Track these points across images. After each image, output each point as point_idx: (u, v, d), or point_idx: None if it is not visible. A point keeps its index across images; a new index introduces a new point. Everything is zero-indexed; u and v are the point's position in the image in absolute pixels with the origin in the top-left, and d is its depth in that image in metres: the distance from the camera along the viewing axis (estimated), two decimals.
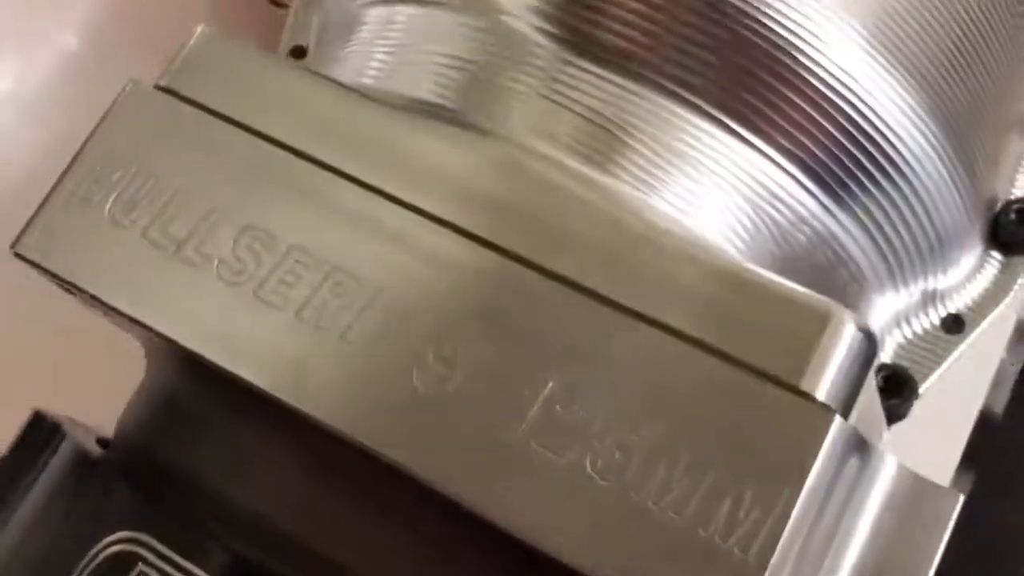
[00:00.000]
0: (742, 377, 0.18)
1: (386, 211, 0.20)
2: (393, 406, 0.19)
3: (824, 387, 0.18)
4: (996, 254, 0.27)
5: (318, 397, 0.19)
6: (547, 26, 0.22)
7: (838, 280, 0.23)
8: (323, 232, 0.20)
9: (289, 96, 0.21)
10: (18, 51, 0.41)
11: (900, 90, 0.22)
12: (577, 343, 0.19)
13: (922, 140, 0.22)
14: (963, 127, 0.24)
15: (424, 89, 0.22)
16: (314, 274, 0.19)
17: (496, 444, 0.18)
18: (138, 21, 0.41)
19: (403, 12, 0.24)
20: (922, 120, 0.22)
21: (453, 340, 0.19)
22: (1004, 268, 0.27)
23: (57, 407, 0.25)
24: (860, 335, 0.18)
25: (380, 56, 0.24)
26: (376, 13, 0.24)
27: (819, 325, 0.18)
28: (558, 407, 0.18)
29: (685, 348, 0.18)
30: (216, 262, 0.20)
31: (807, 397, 0.18)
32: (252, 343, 0.19)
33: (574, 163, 0.21)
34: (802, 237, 0.22)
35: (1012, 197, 0.27)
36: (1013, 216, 0.27)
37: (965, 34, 0.23)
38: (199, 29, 0.22)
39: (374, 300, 0.19)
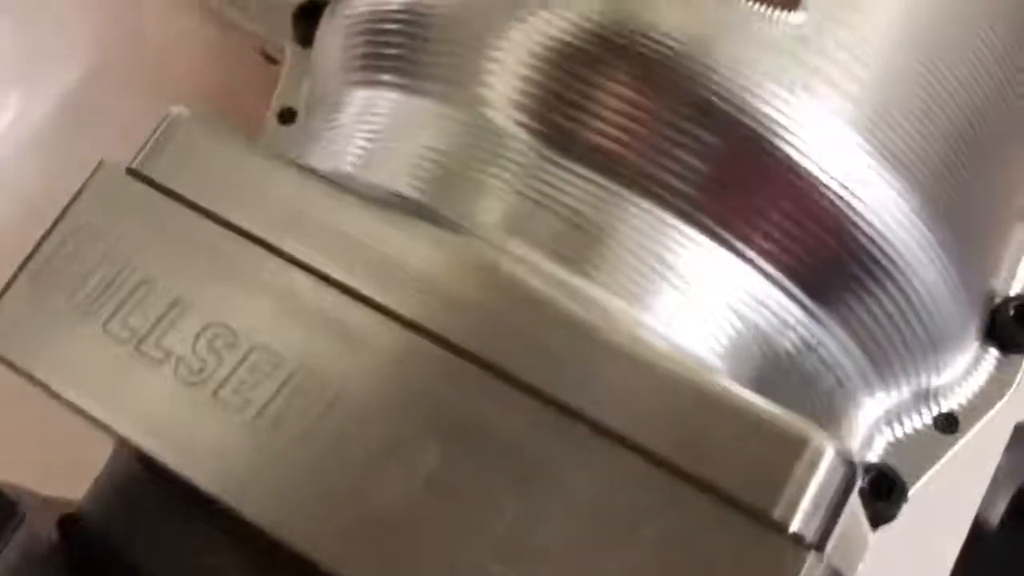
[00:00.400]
0: (712, 504, 0.17)
1: (354, 311, 0.19)
2: (349, 518, 0.18)
3: (799, 519, 0.17)
4: (994, 350, 0.26)
5: (273, 506, 0.18)
6: (529, 122, 0.21)
7: (823, 385, 0.22)
8: (287, 331, 0.19)
9: (262, 187, 0.20)
10: (21, 85, 0.41)
11: (894, 195, 0.21)
12: (545, 460, 0.18)
13: (915, 245, 0.22)
14: (960, 228, 0.23)
15: (402, 181, 0.22)
16: (275, 375, 0.19)
17: (455, 566, 0.17)
18: (142, 58, 0.41)
19: (386, 98, 0.23)
20: (916, 225, 0.21)
21: (415, 451, 0.18)
22: (1001, 366, 0.26)
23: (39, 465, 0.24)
24: (840, 463, 0.17)
25: (360, 142, 0.23)
26: (360, 95, 0.24)
27: (796, 451, 0.17)
28: (521, 528, 0.17)
29: (654, 470, 0.17)
30: (176, 359, 0.19)
31: (780, 529, 0.17)
32: (208, 446, 0.18)
33: (550, 265, 0.20)
34: (787, 344, 0.21)
35: (1011, 294, 0.26)
36: (1012, 313, 0.26)
37: (963, 136, 0.22)
38: (175, 111, 0.21)
39: (336, 404, 0.18)
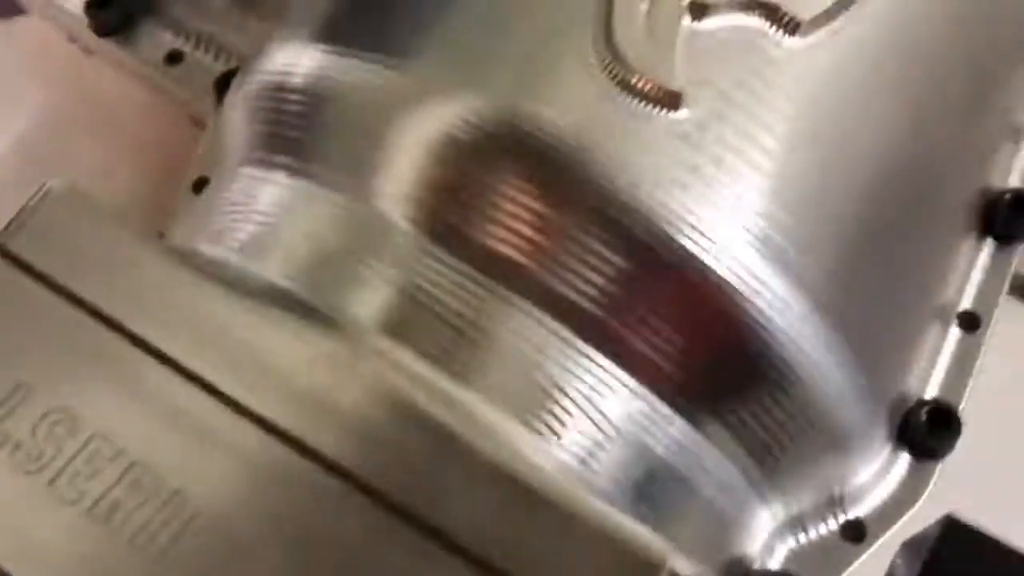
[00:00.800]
0: None
1: (207, 405, 0.18)
2: None
3: None
4: (906, 455, 0.25)
5: None
6: (416, 215, 0.20)
7: (708, 493, 0.21)
8: (132, 421, 0.18)
9: (124, 269, 0.19)
10: None
11: (783, 297, 0.20)
12: (385, 569, 0.17)
13: (809, 350, 0.21)
14: (862, 331, 0.22)
15: (277, 269, 0.21)
16: (114, 467, 0.18)
17: None
18: (94, 110, 0.41)
19: (277, 180, 0.22)
20: (809, 329, 0.20)
21: (256, 555, 0.17)
22: (913, 472, 0.25)
23: None
24: None
25: (246, 224, 0.22)
26: (254, 173, 0.23)
27: (638, 572, 0.16)
28: None
29: None
30: (14, 446, 0.18)
31: None
32: (39, 541, 0.17)
33: (418, 365, 0.19)
34: (666, 452, 0.20)
35: (925, 396, 0.25)
36: (924, 418, 0.25)
37: (863, 236, 0.21)
38: (48, 185, 0.21)
39: (174, 500, 0.18)
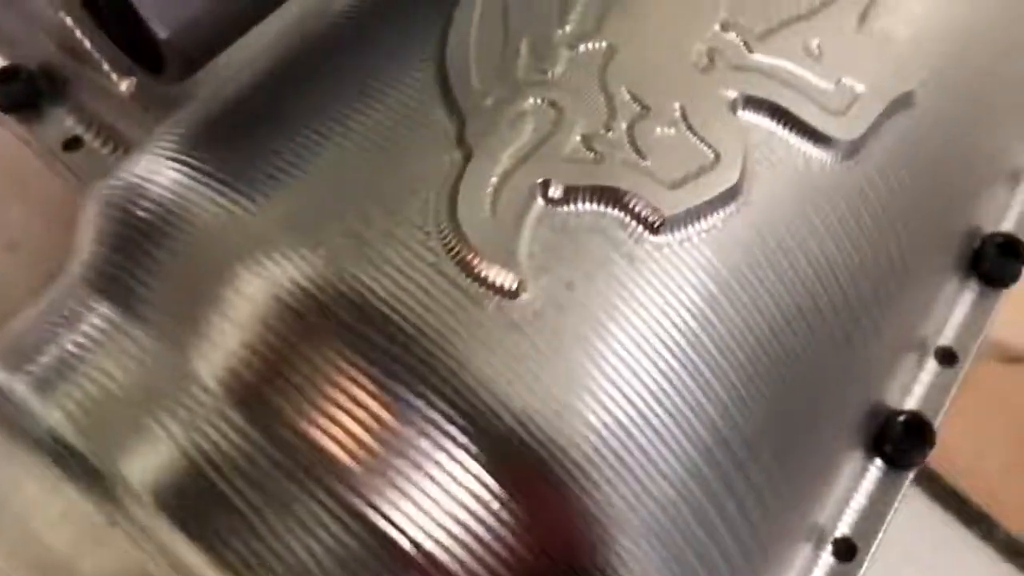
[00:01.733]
0: None
1: None
2: None
3: None
4: None
5: None
6: (226, 377, 0.18)
7: None
8: None
9: None
10: None
11: (606, 520, 0.18)
12: None
13: None
14: (709, 561, 0.20)
15: (60, 410, 0.19)
16: None
17: None
18: (5, 180, 0.40)
19: (96, 310, 0.20)
20: (638, 557, 0.18)
21: None
22: None
23: None
24: None
25: (51, 350, 0.20)
26: (77, 295, 0.21)
27: None
28: None
29: None
30: None
31: None
32: None
33: (178, 543, 0.17)
34: None
35: None
36: None
37: (719, 454, 0.19)
38: None
39: None
